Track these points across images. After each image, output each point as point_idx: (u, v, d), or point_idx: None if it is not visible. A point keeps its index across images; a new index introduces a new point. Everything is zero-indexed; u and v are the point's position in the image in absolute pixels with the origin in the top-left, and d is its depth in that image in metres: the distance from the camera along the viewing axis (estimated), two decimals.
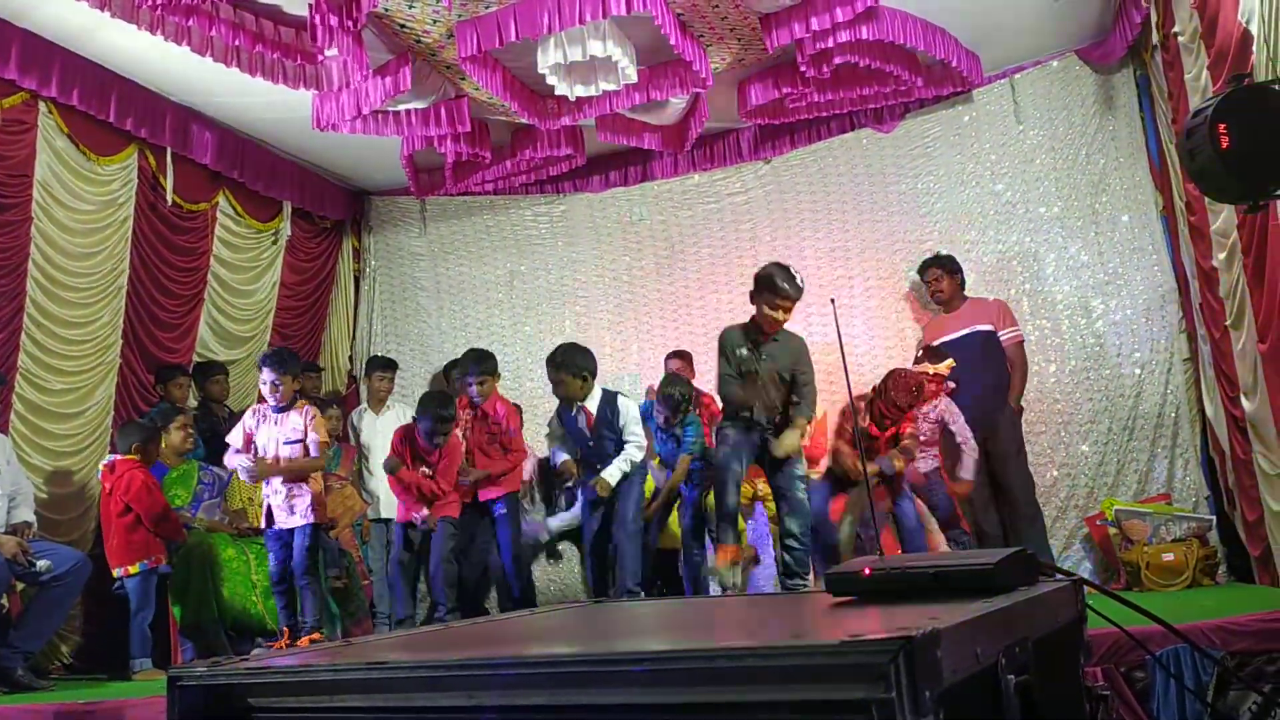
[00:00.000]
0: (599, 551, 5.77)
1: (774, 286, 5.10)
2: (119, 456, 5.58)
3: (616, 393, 5.78)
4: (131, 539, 5.46)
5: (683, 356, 6.96)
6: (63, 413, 5.90)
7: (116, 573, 5.48)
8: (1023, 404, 6.34)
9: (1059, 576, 1.76)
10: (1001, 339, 6.30)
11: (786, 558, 5.49)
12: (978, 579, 1.52)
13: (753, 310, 5.23)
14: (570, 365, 5.64)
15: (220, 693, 1.35)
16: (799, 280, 5.15)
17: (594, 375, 5.73)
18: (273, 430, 5.49)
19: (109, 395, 6.17)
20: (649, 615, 1.93)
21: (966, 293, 6.55)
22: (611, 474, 5.55)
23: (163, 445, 5.90)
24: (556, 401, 7.37)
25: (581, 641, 1.51)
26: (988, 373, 6.22)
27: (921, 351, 6.19)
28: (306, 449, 5.47)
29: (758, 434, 5.26)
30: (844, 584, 1.65)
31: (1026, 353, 6.42)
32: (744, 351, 5.25)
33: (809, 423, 5.30)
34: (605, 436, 5.64)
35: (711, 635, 1.51)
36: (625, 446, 5.62)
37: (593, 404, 5.68)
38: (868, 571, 1.62)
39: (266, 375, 5.44)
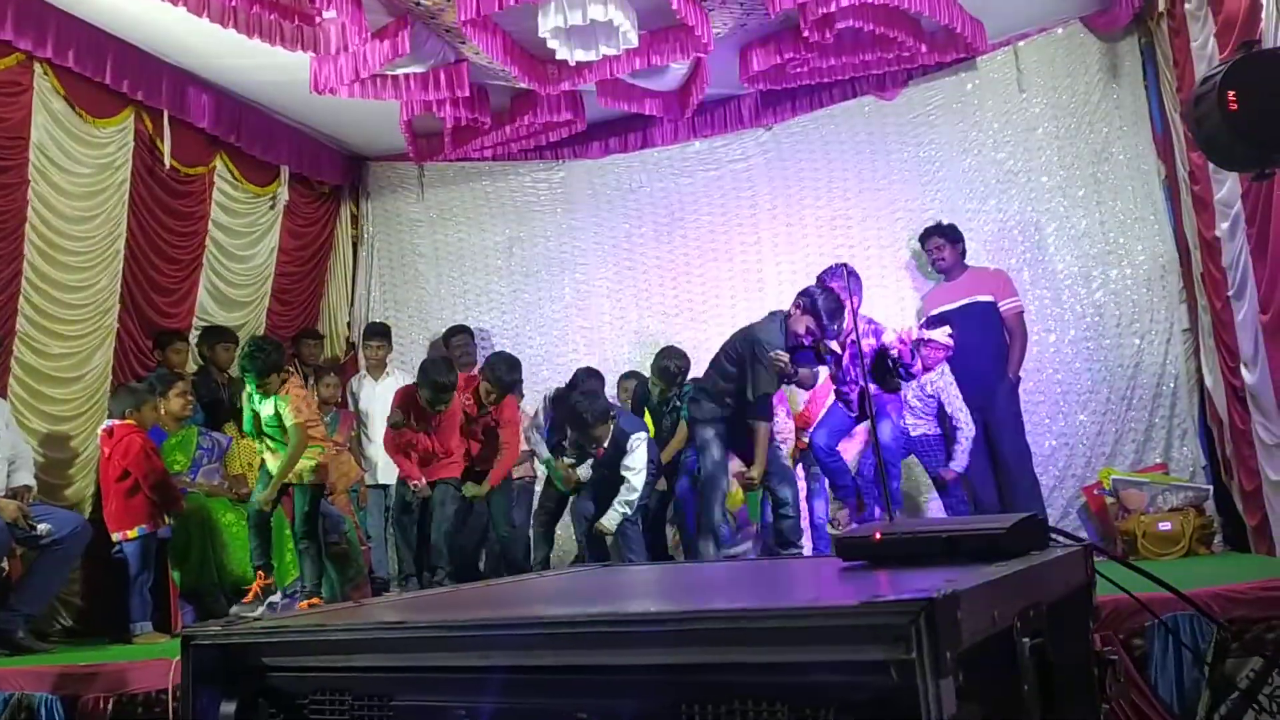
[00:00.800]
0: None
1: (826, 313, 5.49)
2: (117, 421, 5.57)
3: (629, 433, 5.86)
4: (130, 504, 5.47)
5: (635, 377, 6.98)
6: (61, 377, 5.89)
7: (115, 537, 5.49)
8: (1021, 374, 6.34)
9: (1069, 542, 1.76)
10: (1001, 309, 6.29)
11: (780, 526, 5.56)
12: (989, 544, 1.52)
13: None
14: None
15: (234, 652, 1.35)
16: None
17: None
18: (263, 408, 5.64)
19: (107, 360, 6.15)
20: (660, 578, 1.93)
21: (968, 262, 6.53)
22: (611, 519, 5.76)
23: (161, 411, 5.89)
24: (553, 370, 7.44)
25: (597, 602, 1.51)
26: (987, 343, 6.23)
27: (924, 320, 6.20)
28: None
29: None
30: (854, 548, 1.65)
31: (1026, 323, 6.40)
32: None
33: None
34: (613, 466, 5.85)
35: (728, 597, 1.51)
36: (622, 487, 5.78)
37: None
38: (878, 536, 1.62)
39: (251, 378, 5.56)
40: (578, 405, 5.78)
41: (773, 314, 5.73)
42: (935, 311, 6.37)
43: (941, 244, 6.46)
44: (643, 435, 5.88)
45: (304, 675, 1.32)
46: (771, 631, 1.05)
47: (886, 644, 1.00)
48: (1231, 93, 3.14)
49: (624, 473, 5.79)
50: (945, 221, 6.62)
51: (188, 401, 6.09)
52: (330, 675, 1.31)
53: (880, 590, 1.16)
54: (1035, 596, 1.34)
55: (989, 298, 6.29)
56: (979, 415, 6.10)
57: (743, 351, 5.51)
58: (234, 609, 5.42)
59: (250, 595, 5.45)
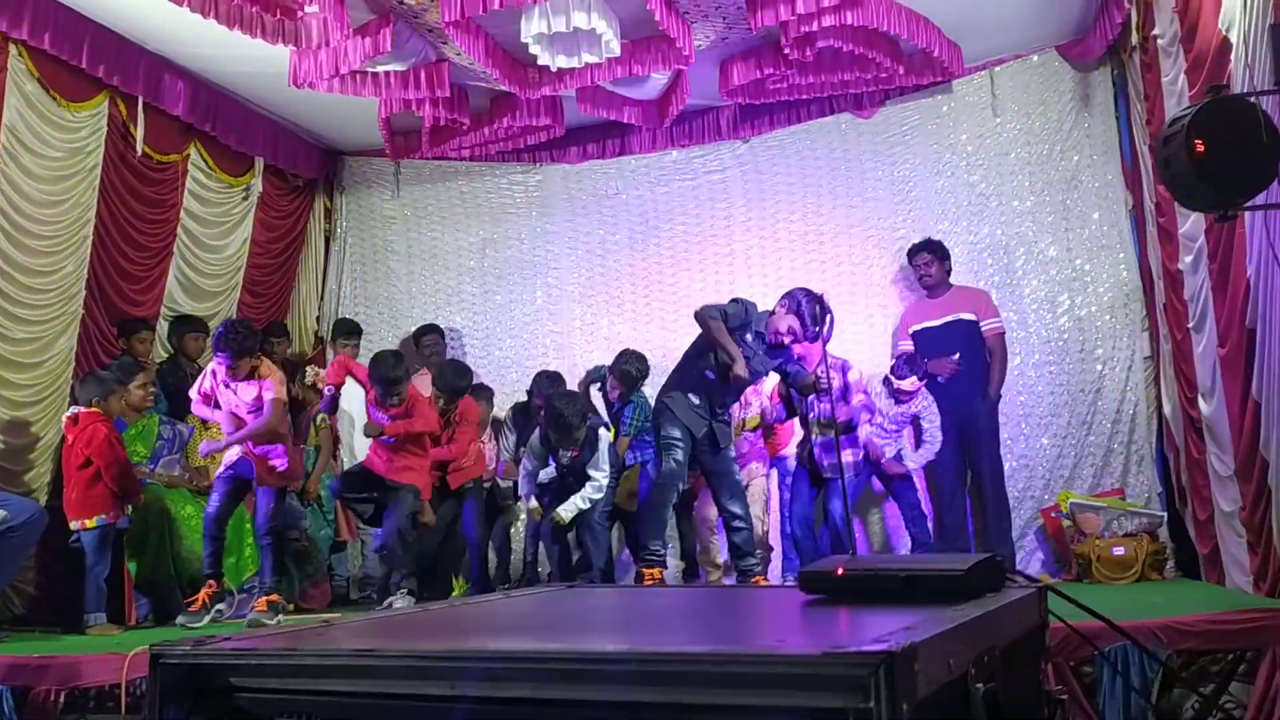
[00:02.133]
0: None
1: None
2: (82, 409, 5.52)
3: (599, 426, 5.97)
4: (90, 493, 5.42)
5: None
6: (23, 362, 5.80)
7: (74, 525, 5.44)
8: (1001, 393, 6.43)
9: (1025, 583, 1.80)
10: (983, 328, 6.37)
11: (734, 539, 5.61)
12: (948, 584, 1.56)
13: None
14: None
15: (203, 671, 1.36)
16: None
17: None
18: (232, 397, 5.52)
19: (70, 346, 6.07)
20: (626, 606, 1.95)
21: (952, 280, 6.59)
22: (568, 509, 5.85)
23: (123, 401, 5.84)
24: (521, 372, 7.44)
25: (560, 635, 1.53)
26: (967, 360, 6.30)
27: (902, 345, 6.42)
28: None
29: (705, 430, 5.51)
30: (816, 582, 1.68)
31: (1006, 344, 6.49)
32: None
33: None
34: (582, 468, 5.89)
35: (693, 635, 1.53)
36: (586, 483, 5.84)
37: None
38: (841, 571, 1.65)
39: (222, 359, 5.43)
40: (559, 408, 5.79)
41: (735, 300, 5.80)
42: (916, 327, 6.45)
43: (929, 260, 6.51)
44: (608, 436, 5.93)
45: (271, 697, 1.34)
46: (733, 676, 1.08)
47: (846, 693, 1.04)
48: (1198, 135, 3.21)
49: (590, 470, 5.86)
50: (933, 239, 6.66)
51: (149, 393, 6.04)
52: (297, 698, 1.32)
53: (840, 635, 1.19)
54: (990, 641, 1.38)
55: (971, 316, 6.37)
56: (957, 432, 6.19)
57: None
58: (179, 619, 5.32)
59: (198, 604, 5.34)
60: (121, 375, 5.87)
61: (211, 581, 5.41)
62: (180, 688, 1.35)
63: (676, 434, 5.56)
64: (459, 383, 6.37)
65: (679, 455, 5.54)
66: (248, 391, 5.47)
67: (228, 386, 5.51)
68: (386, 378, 5.70)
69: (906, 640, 1.05)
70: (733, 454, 5.74)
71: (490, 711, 1.19)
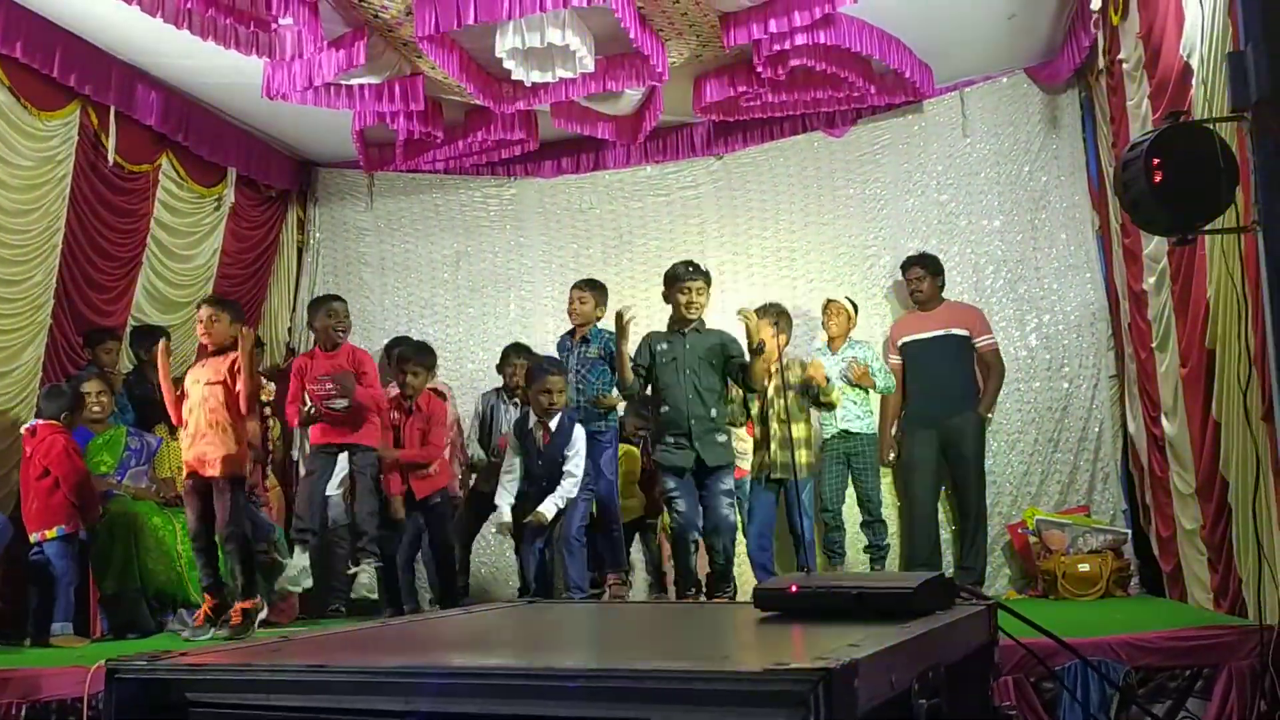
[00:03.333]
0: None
1: (676, 275, 5.57)
2: (41, 421, 5.48)
3: (577, 421, 5.84)
4: (50, 503, 5.39)
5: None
6: None
7: (34, 537, 5.40)
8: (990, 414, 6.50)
9: (974, 600, 1.84)
10: (978, 345, 6.39)
11: (711, 568, 5.57)
12: (898, 601, 1.59)
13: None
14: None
15: (158, 687, 1.36)
16: (702, 267, 5.61)
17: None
18: (198, 372, 5.43)
19: (37, 356, 6.03)
20: (582, 622, 1.97)
21: (945, 296, 6.63)
22: (547, 508, 5.68)
23: (86, 415, 5.83)
24: (493, 385, 7.41)
25: (516, 651, 1.55)
26: (955, 376, 6.34)
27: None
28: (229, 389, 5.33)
29: (691, 459, 5.41)
30: (770, 600, 1.71)
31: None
32: (664, 345, 5.53)
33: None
34: (554, 459, 5.74)
35: (642, 651, 1.56)
36: (563, 480, 5.71)
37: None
38: (794, 589, 1.68)
39: (201, 311, 5.46)
40: (533, 358, 5.78)
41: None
42: (905, 339, 6.51)
43: (921, 274, 6.53)
44: (583, 432, 5.83)
45: (226, 712, 1.35)
46: (679, 692, 1.10)
47: (788, 708, 1.06)
48: (1156, 160, 3.26)
49: (565, 464, 5.70)
50: (928, 253, 6.70)
51: (101, 401, 5.96)
52: (251, 713, 1.33)
53: (787, 651, 1.22)
54: (936, 658, 1.41)
55: (964, 332, 6.40)
56: (940, 446, 6.25)
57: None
58: (185, 634, 5.28)
59: (200, 618, 5.28)
60: (77, 385, 5.85)
61: (209, 594, 5.31)
62: (136, 703, 1.35)
63: (670, 484, 5.47)
64: (431, 357, 6.51)
65: (680, 505, 5.43)
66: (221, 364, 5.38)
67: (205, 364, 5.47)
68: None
69: (848, 657, 1.08)
70: (724, 484, 5.49)
71: None
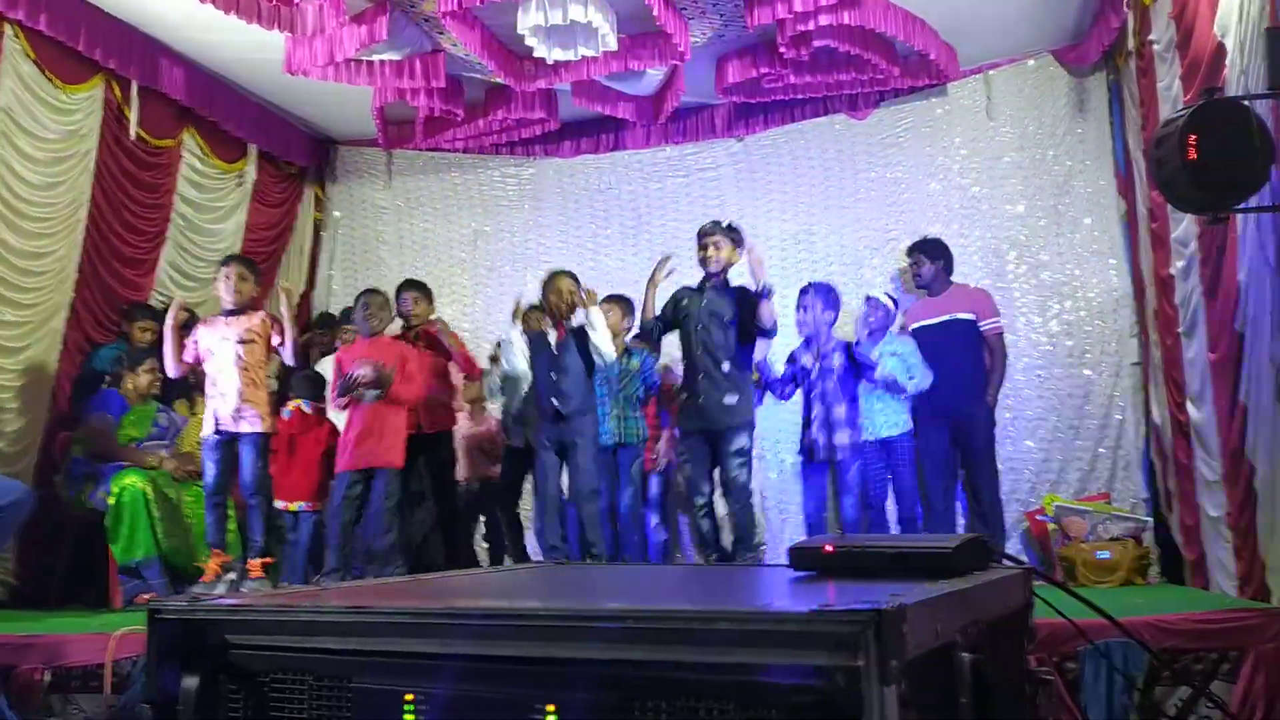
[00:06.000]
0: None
1: (698, 231, 5.56)
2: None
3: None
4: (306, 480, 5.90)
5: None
6: (12, 346, 5.79)
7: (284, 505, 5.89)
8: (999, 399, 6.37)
9: (1011, 564, 1.82)
10: (982, 328, 6.27)
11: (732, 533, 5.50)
12: (935, 561, 1.57)
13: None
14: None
15: (197, 628, 1.37)
16: (725, 223, 5.56)
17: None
18: (223, 331, 5.43)
19: (60, 329, 6.06)
20: (615, 577, 1.97)
21: (954, 279, 6.53)
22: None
23: (128, 385, 5.87)
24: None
25: (555, 597, 1.54)
26: (964, 362, 6.21)
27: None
28: (268, 347, 5.49)
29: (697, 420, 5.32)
30: (806, 559, 1.70)
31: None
32: (685, 300, 5.48)
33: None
34: (570, 348, 5.50)
35: (682, 599, 1.54)
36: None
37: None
38: (829, 548, 1.66)
39: (229, 270, 5.50)
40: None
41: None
42: (914, 326, 6.45)
43: (921, 259, 6.45)
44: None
45: (265, 654, 1.34)
46: (723, 633, 1.08)
47: (835, 651, 1.05)
48: (1192, 137, 3.24)
49: (593, 351, 5.44)
50: (929, 238, 6.63)
51: (155, 379, 6.01)
52: (291, 655, 1.33)
53: (829, 600, 1.20)
54: (976, 614, 1.39)
55: (970, 315, 6.30)
56: (951, 433, 6.15)
57: None
58: (194, 588, 5.29)
59: (209, 574, 5.31)
60: (125, 359, 5.91)
61: (216, 550, 5.38)
62: (176, 644, 1.35)
63: (682, 447, 5.49)
64: (428, 289, 6.33)
65: (686, 469, 5.46)
66: (240, 323, 5.48)
67: (214, 323, 5.52)
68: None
69: (897, 601, 1.06)
70: (735, 445, 5.25)
71: (483, 669, 1.20)
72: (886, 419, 6.10)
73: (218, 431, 5.38)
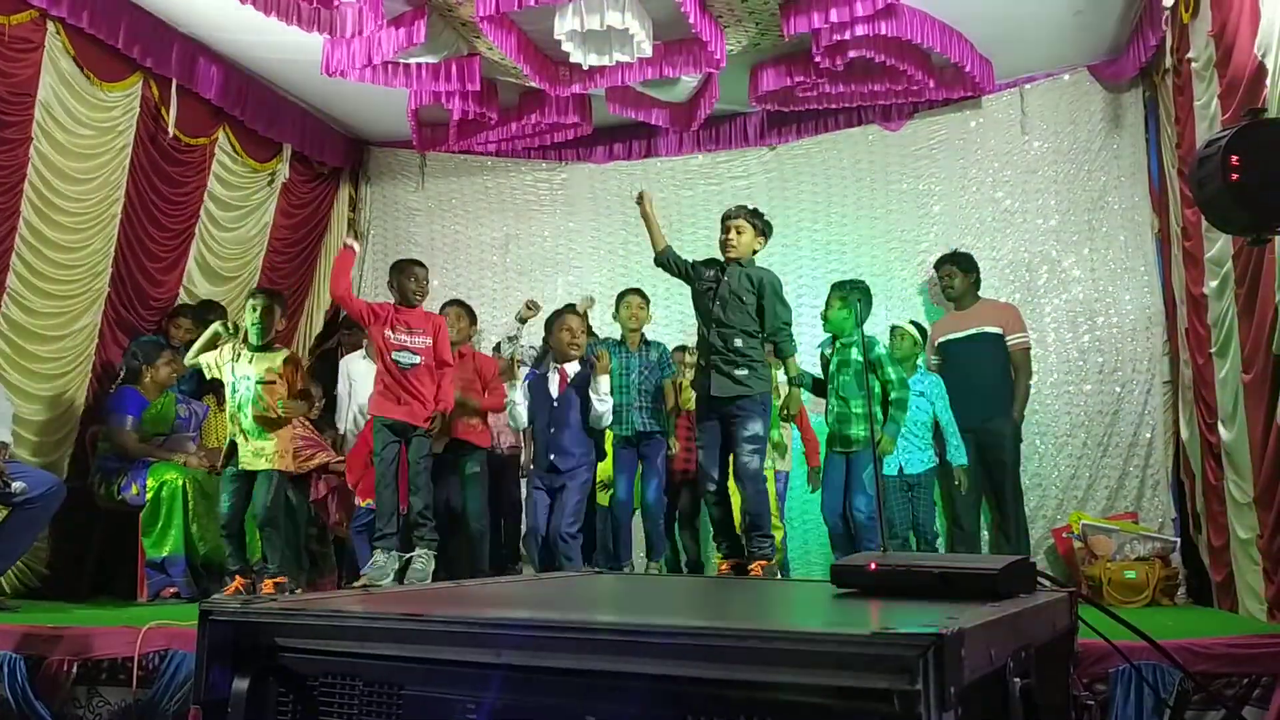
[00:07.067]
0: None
1: (722, 217, 5.40)
2: None
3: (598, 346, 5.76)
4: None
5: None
6: (47, 335, 5.86)
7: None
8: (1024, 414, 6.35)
9: (1055, 588, 1.81)
10: (1009, 343, 6.27)
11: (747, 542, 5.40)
12: (982, 583, 1.56)
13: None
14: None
15: (249, 629, 1.37)
16: (750, 206, 5.45)
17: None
18: (245, 368, 5.42)
19: (94, 323, 6.13)
20: (664, 590, 1.96)
21: (981, 294, 6.54)
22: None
23: (147, 379, 5.90)
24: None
25: (607, 609, 1.54)
26: (991, 376, 6.20)
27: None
28: (290, 386, 5.46)
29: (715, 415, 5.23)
30: (849, 576, 1.69)
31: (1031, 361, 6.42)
32: (708, 274, 5.34)
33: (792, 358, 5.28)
34: (572, 403, 5.57)
35: (734, 615, 1.54)
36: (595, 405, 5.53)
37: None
38: (874, 566, 1.66)
39: (255, 302, 5.47)
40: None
41: None
42: (941, 339, 6.42)
43: (953, 271, 6.45)
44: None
45: (316, 658, 1.35)
46: (781, 653, 1.08)
47: (893, 674, 1.04)
48: (1234, 158, 3.20)
49: (592, 394, 5.48)
50: (960, 251, 6.63)
51: (174, 370, 6.07)
52: (342, 660, 1.33)
53: (879, 621, 1.20)
54: (1026, 638, 1.39)
55: (997, 329, 6.29)
56: (978, 449, 6.10)
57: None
58: (216, 596, 5.36)
59: (230, 591, 5.33)
60: (147, 354, 5.93)
61: (239, 576, 5.39)
62: (227, 645, 1.36)
63: (698, 430, 5.36)
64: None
65: (700, 456, 5.30)
66: (261, 364, 5.45)
67: (240, 357, 5.48)
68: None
69: (956, 625, 1.06)
70: (748, 431, 5.10)
71: (535, 680, 1.21)
72: (911, 455, 6.02)
73: (235, 466, 5.42)
